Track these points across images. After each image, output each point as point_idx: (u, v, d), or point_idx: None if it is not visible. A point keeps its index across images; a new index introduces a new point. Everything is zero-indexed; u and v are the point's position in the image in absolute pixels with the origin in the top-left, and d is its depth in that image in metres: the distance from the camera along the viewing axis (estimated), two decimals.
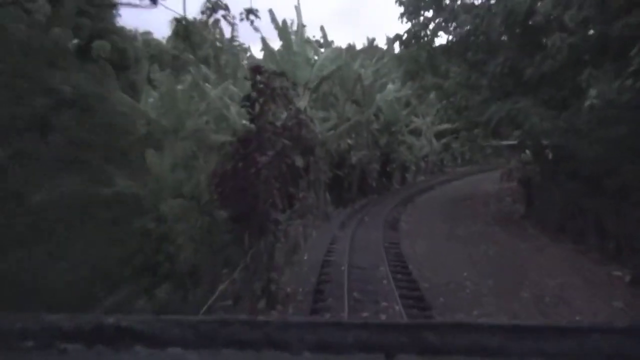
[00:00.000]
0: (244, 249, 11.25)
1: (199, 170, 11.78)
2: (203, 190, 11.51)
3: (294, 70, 23.00)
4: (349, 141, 28.41)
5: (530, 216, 20.57)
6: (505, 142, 41.53)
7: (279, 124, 11.24)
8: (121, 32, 27.82)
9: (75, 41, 20.18)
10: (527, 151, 31.82)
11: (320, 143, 23.64)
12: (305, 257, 15.61)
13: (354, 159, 27.66)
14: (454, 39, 17.68)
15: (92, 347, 0.73)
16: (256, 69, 10.91)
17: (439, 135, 49.81)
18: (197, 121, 12.64)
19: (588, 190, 14.54)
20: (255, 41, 53.07)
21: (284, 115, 11.83)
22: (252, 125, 10.85)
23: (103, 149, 20.08)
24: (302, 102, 22.19)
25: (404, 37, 19.89)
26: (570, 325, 0.71)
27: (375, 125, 31.97)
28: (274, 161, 11.00)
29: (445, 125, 49.89)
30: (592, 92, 11.72)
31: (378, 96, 31.63)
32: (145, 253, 19.98)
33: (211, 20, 28.54)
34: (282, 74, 11.35)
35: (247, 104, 10.71)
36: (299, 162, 23.33)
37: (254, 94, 10.67)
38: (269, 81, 10.89)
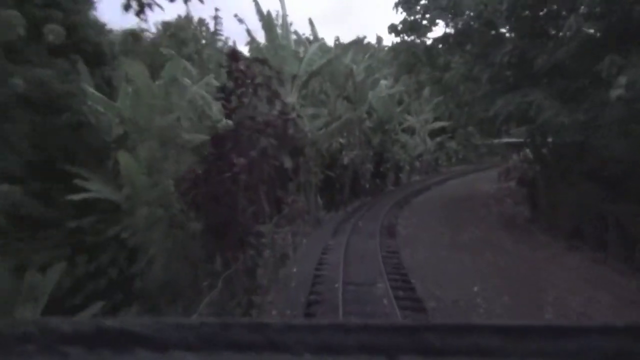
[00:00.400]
0: (221, 266, 9.60)
1: (168, 175, 10.05)
2: (172, 197, 9.78)
3: (281, 65, 21.33)
4: (341, 140, 26.79)
5: (537, 220, 19.07)
6: (505, 140, 40.29)
7: (261, 119, 9.56)
8: (96, 25, 25.98)
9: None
10: (527, 149, 30.59)
11: (310, 142, 22.00)
12: (295, 270, 13.94)
13: (346, 159, 26.02)
14: (456, 26, 16.09)
15: (93, 350, 0.73)
16: (233, 54, 9.23)
17: (433, 134, 48.44)
18: (167, 118, 10.89)
19: (609, 192, 13.03)
20: (241, 37, 51.25)
21: (268, 109, 10.18)
22: (229, 122, 9.15)
23: (71, 150, 18.30)
24: (291, 98, 20.53)
25: (399, 27, 18.32)
26: (570, 325, 0.70)
27: (368, 124, 30.36)
28: (255, 163, 9.33)
29: (440, 124, 48.69)
30: (621, 80, 10.17)
31: (370, 93, 30.05)
32: (120, 265, 18.21)
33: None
34: (264, 61, 9.67)
35: (222, 95, 9.02)
36: (288, 163, 21.69)
37: (230, 84, 9.00)
38: (248, 69, 9.22)
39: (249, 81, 8.79)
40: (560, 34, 14.04)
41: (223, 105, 9.07)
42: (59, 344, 0.73)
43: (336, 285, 11.53)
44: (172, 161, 10.35)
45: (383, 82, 35.07)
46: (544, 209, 19.47)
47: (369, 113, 29.51)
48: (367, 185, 30.13)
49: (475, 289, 11.62)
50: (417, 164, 41.81)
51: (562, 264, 13.51)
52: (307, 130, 21.61)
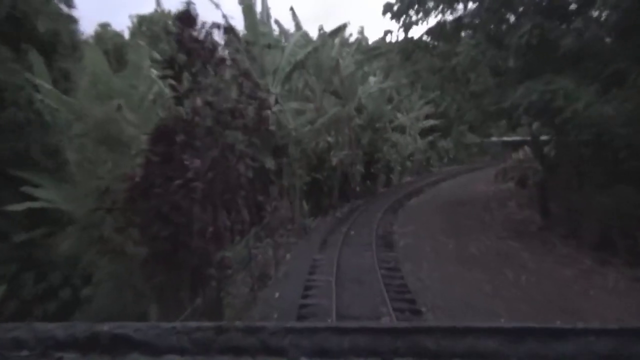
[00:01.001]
0: (174, 305, 7.10)
1: (102, 182, 7.49)
2: (102, 214, 7.21)
3: (260, 55, 18.82)
4: (329, 139, 24.33)
5: (552, 227, 16.85)
6: (499, 139, 38.19)
7: (226, 107, 7.03)
8: (53, 12, 23.25)
9: None
10: (527, 148, 28.54)
11: (294, 141, 19.50)
12: (276, 296, 11.45)
13: (334, 160, 23.57)
14: (465, 6, 13.77)
15: (87, 355, 0.73)
16: (185, 17, 6.69)
17: (423, 133, 46.33)
18: (105, 107, 8.30)
19: None
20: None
21: (238, 95, 7.67)
22: (180, 108, 6.62)
23: (21, 151, 15.67)
24: (274, 89, 18.02)
25: (395, 7, 15.94)
26: (565, 327, 0.70)
27: (357, 121, 27.98)
28: (218, 165, 6.84)
29: (431, 122, 46.60)
30: None
31: (360, 89, 27.69)
32: (74, 285, 15.69)
33: None
34: (229, 29, 7.15)
35: (170, 73, 6.50)
36: (270, 164, 19.14)
37: (181, 57, 6.47)
38: (207, 39, 6.72)
39: (205, 52, 6.25)
40: (593, 10, 11.81)
41: (171, 87, 6.53)
42: (52, 349, 0.73)
43: (328, 321, 9.04)
44: (110, 164, 7.79)
45: (372, 78, 32.82)
46: (559, 214, 17.27)
47: (358, 110, 27.12)
48: (357, 188, 27.76)
49: (502, 321, 9.25)
50: (409, 164, 39.56)
51: (597, 284, 11.23)
52: (291, 128, 19.12)
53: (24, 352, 0.72)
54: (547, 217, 18.10)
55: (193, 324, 0.78)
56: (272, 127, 14.70)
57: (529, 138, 22.24)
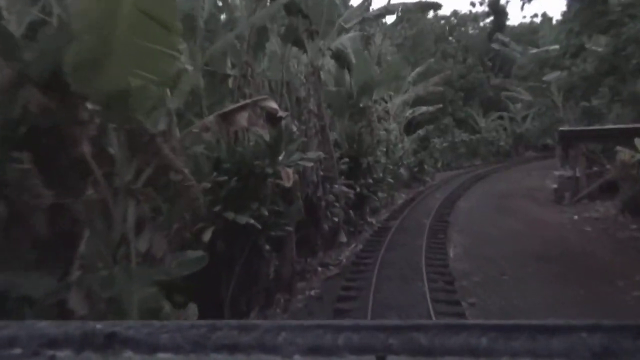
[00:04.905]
0: None
1: None
2: None
3: None
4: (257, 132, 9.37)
5: None
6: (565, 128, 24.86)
7: None
8: None
9: None
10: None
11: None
12: None
13: (286, 177, 8.64)
14: None
15: (81, 353, 0.72)
16: None
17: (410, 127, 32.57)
18: None
19: None
20: None
21: None
22: None
23: None
24: None
25: None
26: (558, 324, 0.70)
27: (331, 87, 13.42)
28: None
29: (423, 109, 32.72)
30: None
31: (341, 21, 13.14)
32: None
33: None
34: None
35: None
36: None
37: None
38: None
39: None
40: None
41: None
42: (45, 347, 0.72)
43: None
44: None
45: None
46: None
47: (336, 57, 12.42)
48: (332, 233, 13.03)
49: None
50: (402, 172, 25.27)
51: None
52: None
53: (17, 350, 0.71)
54: None
55: (186, 322, 0.76)
56: None
57: None
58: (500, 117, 49.94)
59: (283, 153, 9.32)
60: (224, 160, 9.22)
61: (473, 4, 78.95)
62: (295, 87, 12.08)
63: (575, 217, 17.01)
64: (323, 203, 11.61)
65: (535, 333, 0.68)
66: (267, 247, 9.65)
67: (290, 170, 9.06)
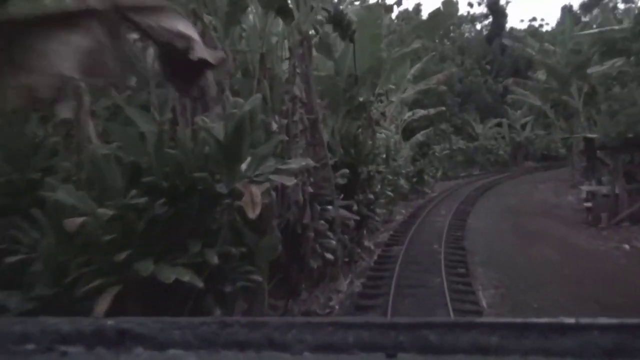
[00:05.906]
0: None
1: None
2: None
3: None
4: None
5: None
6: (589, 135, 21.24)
7: None
8: None
9: None
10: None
11: None
12: None
13: (255, 209, 4.97)
14: None
15: (92, 350, 0.71)
16: None
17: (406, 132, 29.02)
18: None
19: None
20: None
21: None
22: None
23: None
24: None
25: None
26: (569, 322, 0.68)
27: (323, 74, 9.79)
28: None
29: (421, 112, 29.27)
30: None
31: None
32: None
33: None
34: None
35: None
36: None
37: None
38: None
39: None
40: None
41: None
42: (57, 343, 0.72)
43: None
44: None
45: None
46: None
47: (337, 23, 8.76)
48: (324, 268, 9.32)
49: None
50: (402, 183, 21.64)
51: None
52: None
53: (30, 346, 0.71)
54: None
55: (197, 318, 0.75)
56: None
57: None
58: (499, 124, 46.94)
59: (248, 160, 5.63)
60: (147, 169, 5.49)
61: (471, 5, 76.17)
62: (275, 65, 8.42)
63: (626, 246, 13.57)
64: (311, 234, 7.90)
65: (547, 331, 0.67)
66: (218, 310, 5.94)
67: (258, 189, 5.37)
